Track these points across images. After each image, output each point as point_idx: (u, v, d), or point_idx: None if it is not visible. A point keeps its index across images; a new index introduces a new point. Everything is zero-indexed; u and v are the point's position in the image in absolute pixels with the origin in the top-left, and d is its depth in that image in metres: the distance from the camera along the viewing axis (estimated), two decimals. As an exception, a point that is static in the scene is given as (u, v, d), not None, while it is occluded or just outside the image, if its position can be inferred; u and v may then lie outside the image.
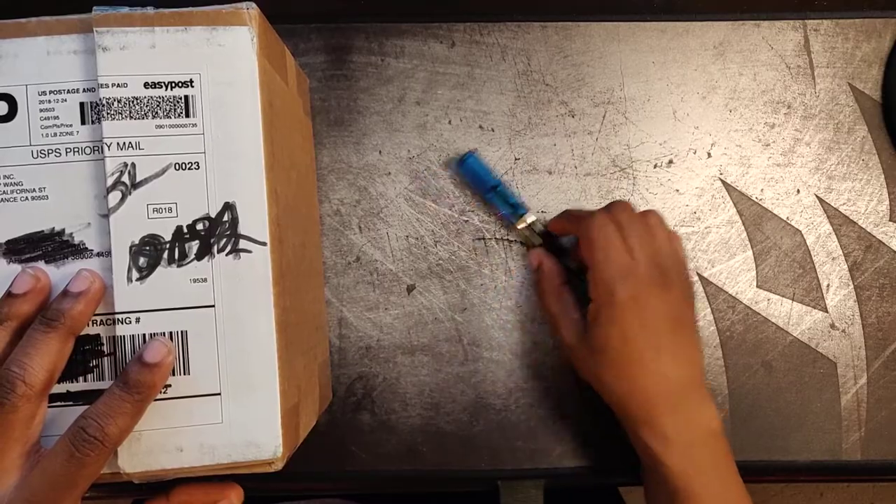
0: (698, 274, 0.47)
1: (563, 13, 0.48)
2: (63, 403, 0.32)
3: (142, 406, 0.31)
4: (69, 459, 0.30)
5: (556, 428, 0.46)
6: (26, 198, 0.32)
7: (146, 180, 0.32)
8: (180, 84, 0.32)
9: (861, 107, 0.48)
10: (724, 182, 0.47)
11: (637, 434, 0.40)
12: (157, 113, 0.32)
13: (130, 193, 0.32)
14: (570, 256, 0.46)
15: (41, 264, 0.32)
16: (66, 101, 0.32)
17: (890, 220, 0.47)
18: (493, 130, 0.47)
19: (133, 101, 0.32)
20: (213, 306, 0.33)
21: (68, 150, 0.32)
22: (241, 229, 0.33)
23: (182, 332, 0.32)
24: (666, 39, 0.48)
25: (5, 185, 0.32)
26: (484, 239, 0.47)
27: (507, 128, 0.47)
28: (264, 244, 0.33)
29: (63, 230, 0.32)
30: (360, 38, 0.47)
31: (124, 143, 0.32)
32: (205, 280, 0.32)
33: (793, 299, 0.47)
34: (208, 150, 0.33)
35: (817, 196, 0.48)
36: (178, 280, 0.32)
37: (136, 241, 0.32)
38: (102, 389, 0.32)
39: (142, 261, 0.32)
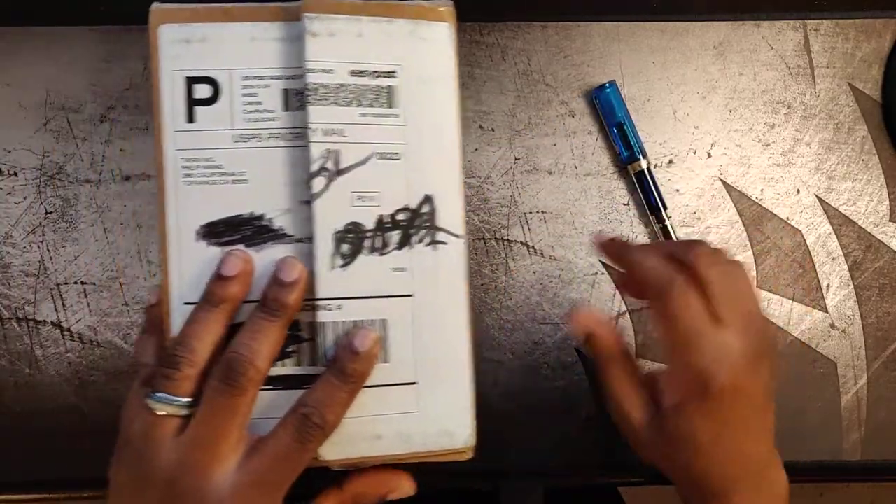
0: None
1: (563, 13, 0.48)
2: (262, 388, 0.32)
3: (354, 394, 0.31)
4: (292, 445, 0.30)
5: (556, 428, 0.46)
6: (226, 181, 0.32)
7: (350, 168, 0.32)
8: (384, 74, 0.32)
9: (861, 107, 0.48)
10: (724, 182, 0.47)
11: None
12: (360, 101, 0.32)
13: (334, 180, 0.32)
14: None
15: (241, 248, 0.32)
16: (268, 86, 0.32)
17: (890, 220, 0.47)
18: (493, 130, 0.47)
19: (339, 88, 0.32)
20: (412, 296, 0.33)
21: (270, 135, 0.32)
22: (439, 222, 0.33)
23: (382, 320, 0.32)
24: (666, 39, 0.48)
25: (206, 167, 0.32)
26: (484, 239, 0.47)
27: (507, 128, 0.47)
28: (459, 237, 0.33)
29: (262, 215, 0.32)
30: (361, 38, 0.47)
31: (329, 130, 0.32)
32: (404, 270, 0.33)
33: (793, 299, 0.47)
34: (409, 142, 0.33)
35: (817, 196, 0.48)
36: (379, 269, 0.32)
37: (340, 228, 0.32)
38: (301, 375, 0.32)
39: (344, 248, 0.32)
